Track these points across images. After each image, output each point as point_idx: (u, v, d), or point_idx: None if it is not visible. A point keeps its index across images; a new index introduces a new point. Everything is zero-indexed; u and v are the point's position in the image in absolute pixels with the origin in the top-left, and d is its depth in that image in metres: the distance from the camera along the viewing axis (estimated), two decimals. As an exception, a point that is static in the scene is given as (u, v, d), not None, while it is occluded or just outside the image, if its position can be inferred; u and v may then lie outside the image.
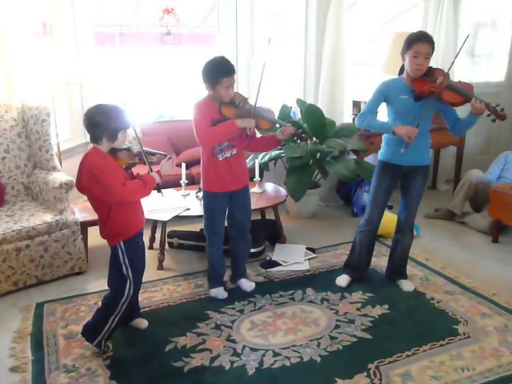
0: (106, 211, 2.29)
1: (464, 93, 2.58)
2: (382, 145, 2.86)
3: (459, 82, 2.71)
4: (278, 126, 2.79)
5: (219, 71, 2.55)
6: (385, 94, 2.72)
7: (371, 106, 2.77)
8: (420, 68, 2.59)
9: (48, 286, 3.03)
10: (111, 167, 2.22)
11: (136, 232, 2.37)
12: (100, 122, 2.20)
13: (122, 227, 2.33)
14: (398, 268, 3.03)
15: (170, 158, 2.46)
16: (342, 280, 3.02)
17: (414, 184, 2.81)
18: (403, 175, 2.82)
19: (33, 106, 3.34)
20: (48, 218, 3.03)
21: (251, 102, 2.69)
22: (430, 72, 2.63)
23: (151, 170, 2.38)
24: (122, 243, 2.32)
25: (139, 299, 2.80)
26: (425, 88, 2.58)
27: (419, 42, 2.55)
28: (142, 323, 2.58)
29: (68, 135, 4.05)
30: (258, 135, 2.96)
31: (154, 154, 2.48)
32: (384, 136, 2.86)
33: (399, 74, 2.77)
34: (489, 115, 2.56)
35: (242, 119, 2.62)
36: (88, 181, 2.21)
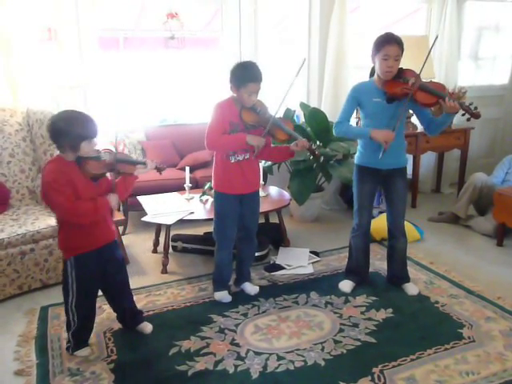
0: (59, 223, 2.27)
1: (436, 93, 2.58)
2: (358, 148, 2.87)
3: (430, 81, 2.71)
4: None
5: (247, 75, 2.56)
6: (357, 98, 2.74)
7: (346, 112, 2.78)
8: (390, 70, 2.59)
9: (53, 289, 3.03)
10: (61, 183, 2.10)
11: (88, 250, 2.26)
12: (62, 130, 2.10)
13: (73, 242, 2.25)
14: (399, 273, 3.01)
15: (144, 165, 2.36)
16: (346, 285, 3.01)
17: (395, 186, 2.81)
18: (383, 179, 2.82)
19: (37, 111, 3.36)
20: (53, 221, 3.04)
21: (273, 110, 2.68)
22: (401, 73, 2.63)
23: (114, 190, 2.27)
24: (72, 259, 2.25)
25: (143, 303, 2.82)
26: (397, 90, 2.59)
27: (388, 45, 2.56)
28: (147, 328, 2.56)
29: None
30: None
31: (132, 163, 2.36)
32: (360, 140, 2.86)
33: (370, 77, 2.77)
34: (463, 114, 2.57)
35: (254, 137, 2.62)
36: (41, 191, 2.17)
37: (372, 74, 2.73)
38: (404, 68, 2.66)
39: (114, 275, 2.41)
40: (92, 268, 2.30)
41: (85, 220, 2.19)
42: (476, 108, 2.54)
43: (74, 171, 2.18)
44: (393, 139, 2.56)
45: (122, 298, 2.51)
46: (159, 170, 2.48)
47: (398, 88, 2.58)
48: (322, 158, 3.82)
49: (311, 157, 2.75)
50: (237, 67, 2.60)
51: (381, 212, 3.95)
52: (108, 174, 2.38)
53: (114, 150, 2.34)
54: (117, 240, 2.47)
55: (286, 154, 2.80)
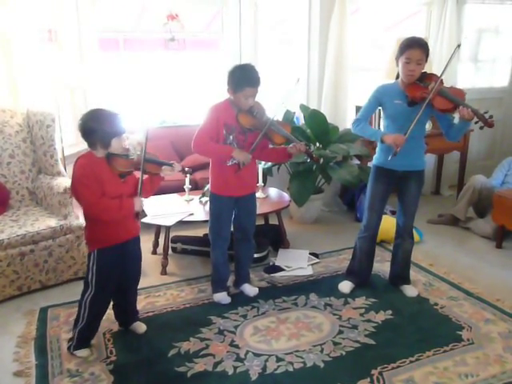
0: (85, 216, 2.32)
1: (454, 99, 2.60)
2: (377, 150, 2.88)
3: (451, 87, 2.72)
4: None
5: (244, 79, 2.54)
6: (379, 99, 2.75)
7: (365, 111, 2.80)
8: (412, 74, 2.61)
9: (52, 290, 3.03)
10: (89, 178, 2.18)
11: (112, 243, 2.31)
12: (93, 128, 2.19)
13: (98, 235, 2.31)
14: (400, 273, 3.02)
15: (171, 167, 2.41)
16: (345, 286, 3.02)
17: (409, 189, 2.82)
18: (398, 180, 2.83)
19: (38, 112, 3.36)
20: (52, 222, 3.04)
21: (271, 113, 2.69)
22: (425, 77, 2.65)
23: (140, 194, 2.31)
24: (96, 251, 2.30)
25: (143, 304, 2.82)
26: (417, 94, 2.61)
27: (411, 49, 2.58)
28: (140, 327, 2.57)
29: (72, 140, 4.06)
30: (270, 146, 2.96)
31: (159, 164, 2.41)
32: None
33: (396, 79, 2.79)
34: (477, 122, 2.58)
35: (240, 152, 2.63)
36: (71, 185, 2.27)
37: (398, 76, 2.75)
38: (428, 72, 2.68)
39: (130, 270, 2.46)
40: (114, 262, 2.35)
41: (107, 217, 2.26)
42: (491, 117, 2.56)
43: (103, 167, 2.25)
44: (403, 142, 2.55)
45: (128, 294, 2.52)
46: (186, 172, 2.53)
47: (418, 92, 2.60)
48: (321, 160, 3.82)
49: (308, 160, 2.74)
50: (235, 70, 2.59)
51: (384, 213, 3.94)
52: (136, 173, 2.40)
53: (142, 148, 2.36)
54: (139, 236, 2.50)
55: (283, 156, 2.81)
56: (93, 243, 2.34)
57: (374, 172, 2.88)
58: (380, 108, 2.82)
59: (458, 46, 2.80)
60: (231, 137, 2.66)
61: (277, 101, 2.61)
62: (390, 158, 2.61)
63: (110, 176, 2.26)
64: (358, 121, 2.79)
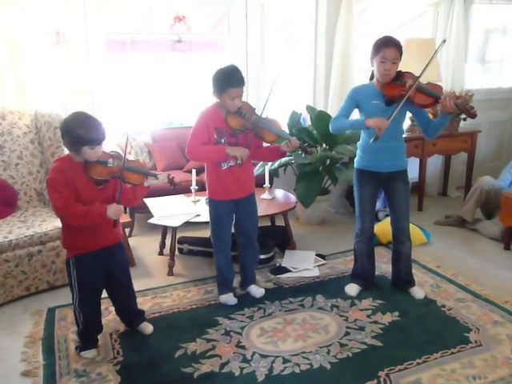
0: (62, 222, 2.30)
1: (433, 93, 2.58)
2: (358, 152, 2.87)
3: (428, 83, 2.71)
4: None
5: (227, 81, 2.54)
6: (356, 100, 2.73)
7: (343, 110, 2.77)
8: (388, 73, 2.59)
9: (59, 291, 3.05)
10: (59, 182, 2.13)
11: (89, 250, 2.27)
12: (65, 131, 2.13)
13: (74, 241, 2.27)
14: (404, 277, 3.00)
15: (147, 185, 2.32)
16: (352, 289, 3.00)
17: (396, 190, 2.81)
18: (384, 183, 2.82)
19: (45, 113, 3.38)
20: (60, 223, 3.05)
21: (259, 112, 2.68)
22: (400, 76, 2.64)
23: (118, 201, 2.22)
24: (73, 258, 2.27)
25: (149, 305, 2.83)
26: (395, 92, 2.59)
27: (385, 48, 2.56)
28: (147, 328, 2.57)
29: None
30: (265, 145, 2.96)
31: (142, 174, 2.30)
32: (359, 144, 2.87)
33: (370, 80, 2.77)
34: (459, 114, 2.56)
35: (235, 148, 2.62)
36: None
37: (372, 77, 2.73)
38: (403, 71, 2.66)
39: (117, 277, 2.42)
40: (93, 268, 2.31)
41: (75, 223, 2.20)
42: (473, 108, 2.54)
43: (79, 172, 2.18)
44: (386, 126, 2.51)
45: (124, 300, 2.52)
46: (173, 184, 2.42)
47: (396, 90, 2.59)
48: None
49: (303, 154, 2.73)
50: (217, 73, 2.58)
51: (387, 215, 3.94)
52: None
53: (121, 153, 2.30)
54: (122, 243, 2.47)
55: (277, 154, 2.80)
56: (69, 250, 2.30)
57: (357, 176, 2.87)
58: (357, 109, 2.79)
59: (444, 41, 2.78)
60: (222, 140, 2.67)
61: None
62: (371, 141, 2.56)
63: (84, 182, 2.19)
64: (335, 119, 2.76)
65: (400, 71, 2.65)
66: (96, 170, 2.19)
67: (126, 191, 2.34)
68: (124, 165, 2.24)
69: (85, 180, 2.20)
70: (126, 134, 2.34)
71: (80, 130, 2.10)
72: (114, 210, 2.19)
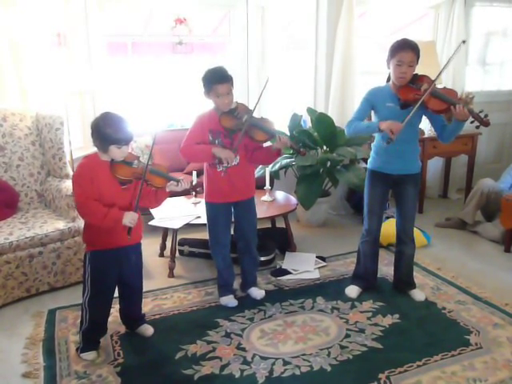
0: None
1: (447, 99, 2.56)
2: (371, 153, 2.87)
3: (444, 88, 2.70)
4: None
5: (211, 78, 2.58)
6: (371, 102, 2.73)
7: (358, 113, 2.77)
8: (404, 76, 2.59)
9: (60, 292, 3.05)
10: (83, 178, 2.18)
11: (105, 247, 2.29)
12: (95, 130, 2.18)
13: (92, 237, 2.31)
14: (405, 279, 3.00)
15: (178, 182, 2.32)
16: (352, 291, 3.01)
17: (405, 193, 2.81)
18: (394, 184, 2.82)
19: (47, 115, 3.39)
20: (61, 225, 3.06)
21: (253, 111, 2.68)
22: (416, 79, 2.63)
23: (136, 209, 2.25)
24: (90, 253, 2.31)
25: (150, 307, 2.83)
26: (410, 96, 2.58)
27: (402, 51, 2.56)
28: (148, 330, 2.58)
29: (80, 143, 4.09)
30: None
31: (165, 178, 2.31)
32: (373, 145, 2.86)
33: (387, 82, 2.77)
34: (472, 122, 2.55)
35: (220, 149, 2.63)
36: None
37: (389, 79, 2.73)
38: (420, 74, 2.65)
39: (129, 277, 2.43)
40: (107, 266, 2.33)
41: (91, 220, 2.25)
42: (486, 116, 2.52)
43: (104, 171, 2.22)
44: (399, 130, 2.51)
45: (130, 301, 2.53)
46: (195, 191, 2.50)
47: (411, 94, 2.58)
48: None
49: (296, 155, 2.72)
50: (204, 73, 2.62)
51: (387, 217, 3.94)
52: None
53: (146, 155, 2.34)
54: (140, 244, 2.47)
55: (272, 155, 2.78)
56: (88, 244, 2.34)
57: (369, 176, 2.88)
58: (372, 111, 2.79)
59: (463, 41, 2.76)
60: (217, 141, 2.68)
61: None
62: (385, 143, 2.58)
63: (108, 181, 2.22)
64: (350, 122, 2.75)
65: (416, 74, 2.64)
66: (121, 169, 2.23)
67: (149, 194, 2.36)
68: (148, 165, 2.27)
69: (108, 179, 2.23)
70: (152, 134, 2.37)
71: (108, 129, 2.15)
72: (129, 218, 2.23)
